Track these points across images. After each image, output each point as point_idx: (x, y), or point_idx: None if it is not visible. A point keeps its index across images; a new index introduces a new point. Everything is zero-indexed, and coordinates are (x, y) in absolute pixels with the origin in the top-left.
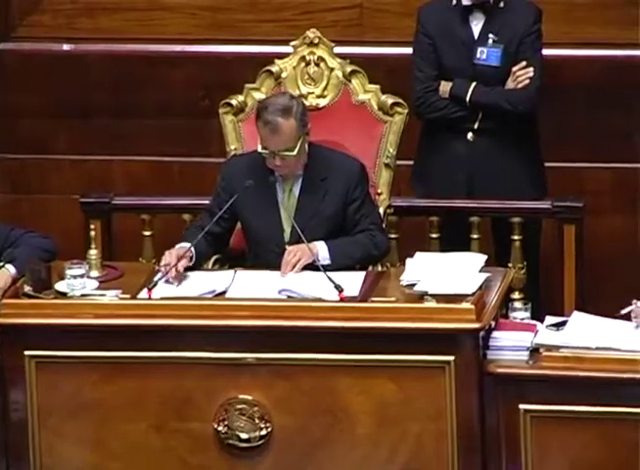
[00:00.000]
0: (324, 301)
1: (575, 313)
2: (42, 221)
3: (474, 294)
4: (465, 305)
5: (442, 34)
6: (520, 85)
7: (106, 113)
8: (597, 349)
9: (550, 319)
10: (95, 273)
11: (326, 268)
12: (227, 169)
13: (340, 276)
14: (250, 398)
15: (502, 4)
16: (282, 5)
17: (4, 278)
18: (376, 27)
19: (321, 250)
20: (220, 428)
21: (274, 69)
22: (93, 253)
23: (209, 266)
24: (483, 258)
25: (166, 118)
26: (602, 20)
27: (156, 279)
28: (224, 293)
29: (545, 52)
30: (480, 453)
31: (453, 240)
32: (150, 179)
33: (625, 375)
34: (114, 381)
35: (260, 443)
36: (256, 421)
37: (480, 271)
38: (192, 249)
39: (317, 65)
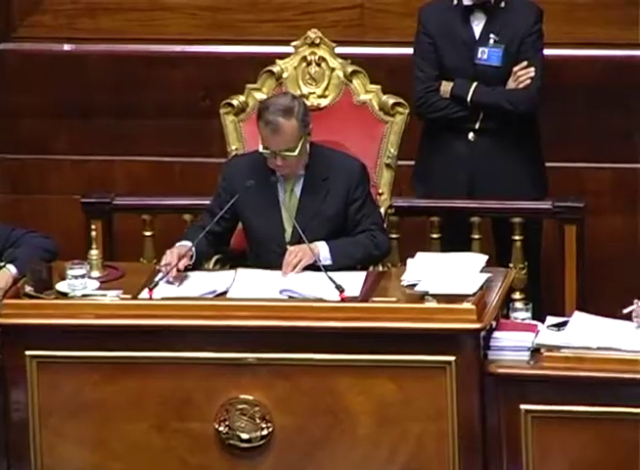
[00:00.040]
0: (325, 301)
1: (576, 313)
2: (43, 222)
3: (475, 294)
4: (466, 305)
5: (443, 34)
6: (521, 85)
7: (106, 113)
8: (598, 349)
9: (551, 319)
10: (96, 273)
11: (327, 269)
12: (228, 169)
13: (340, 276)
14: (250, 398)
15: (503, 4)
16: (282, 5)
17: (5, 278)
18: (377, 28)
19: (322, 250)
20: (221, 428)
21: (275, 69)
22: (94, 253)
23: (210, 267)
24: (484, 258)
25: (167, 119)
26: (602, 20)
27: (157, 279)
28: (225, 293)
29: (546, 52)
30: (480, 454)
31: (454, 240)
32: (150, 179)
33: (626, 375)
34: (114, 381)
35: (261, 443)
36: (257, 421)
37: (481, 271)
38: (192, 248)
39: (318, 65)
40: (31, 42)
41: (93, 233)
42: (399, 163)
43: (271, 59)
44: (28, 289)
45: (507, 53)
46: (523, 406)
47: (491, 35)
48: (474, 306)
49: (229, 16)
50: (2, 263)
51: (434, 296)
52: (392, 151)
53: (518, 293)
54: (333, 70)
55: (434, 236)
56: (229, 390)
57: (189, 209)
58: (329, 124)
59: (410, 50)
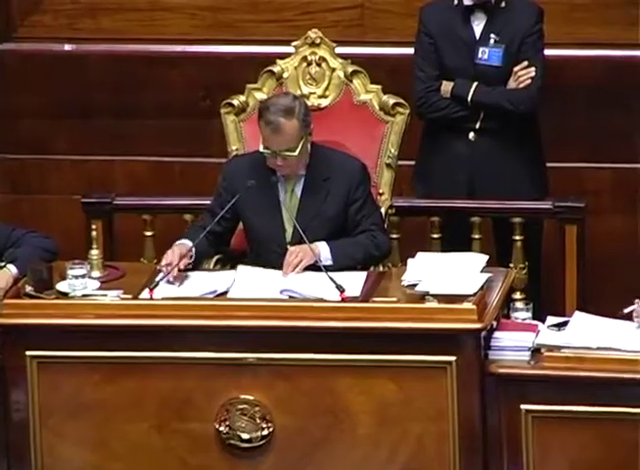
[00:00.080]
0: (325, 301)
1: (577, 313)
2: (43, 222)
3: (475, 294)
4: (466, 305)
5: (444, 34)
6: (521, 85)
7: (107, 113)
8: (598, 349)
9: (551, 319)
10: (96, 273)
11: (327, 269)
12: (229, 169)
13: (341, 276)
14: (251, 398)
15: (503, 4)
16: (283, 5)
17: (5, 278)
18: (377, 28)
19: (323, 250)
20: (221, 428)
21: (276, 69)
22: (94, 253)
23: (211, 267)
24: (485, 258)
25: (167, 119)
26: (602, 20)
27: (157, 279)
28: (225, 293)
29: (546, 52)
30: (481, 454)
31: (454, 240)
32: (150, 179)
33: (627, 375)
34: (115, 381)
35: (262, 443)
36: (258, 421)
37: (482, 271)
38: (193, 248)
39: (319, 65)
40: (31, 42)
41: (93, 233)
42: (400, 163)
43: (271, 59)
44: (29, 289)
45: (507, 53)
46: (523, 406)
47: (492, 35)
48: (474, 306)
49: (229, 16)
50: (2, 263)
51: (435, 296)
52: (393, 151)
53: (518, 293)
54: (333, 70)
55: (435, 236)
56: (229, 390)
57: (189, 209)
58: (329, 124)
59: (411, 50)
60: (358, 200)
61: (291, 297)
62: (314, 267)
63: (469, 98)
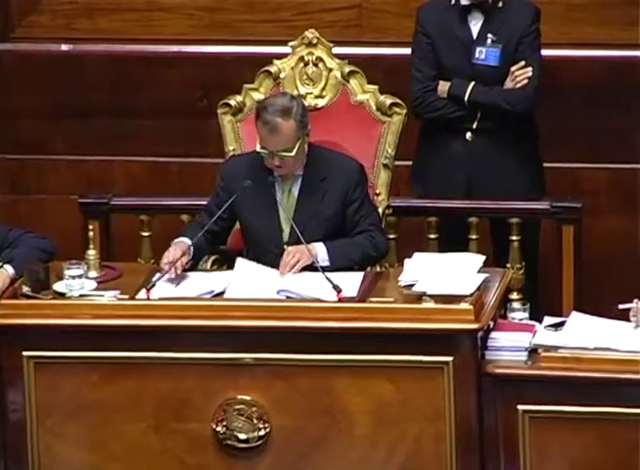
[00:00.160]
0: (322, 301)
1: (574, 314)
2: (40, 222)
3: (472, 294)
4: (463, 305)
5: (441, 34)
6: (518, 85)
7: (104, 113)
8: (595, 349)
9: (548, 320)
10: (93, 274)
11: (325, 270)
12: (226, 169)
13: (338, 277)
14: (248, 398)
15: (501, 4)
16: (280, 5)
17: (2, 278)
18: (374, 28)
19: (320, 251)
20: (219, 428)
21: (273, 69)
22: (91, 253)
23: (208, 267)
24: (482, 258)
25: (164, 119)
26: (600, 20)
27: (154, 279)
28: (222, 293)
29: (543, 52)
30: (478, 454)
31: (451, 240)
32: (148, 180)
33: (624, 376)
34: (112, 381)
35: (259, 443)
36: (255, 421)
37: (479, 272)
38: (191, 245)
39: (316, 65)
40: (29, 42)
41: (90, 233)
42: (397, 163)
43: (269, 59)
44: (26, 289)
45: (504, 53)
46: (520, 407)
47: (489, 35)
48: (471, 307)
49: (226, 16)
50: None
51: (432, 296)
52: (390, 151)
53: (515, 293)
54: (330, 70)
55: (432, 236)
56: (227, 390)
57: (186, 209)
58: (326, 125)
59: (408, 50)
60: (356, 200)
61: (288, 297)
62: (311, 268)
63: (466, 98)
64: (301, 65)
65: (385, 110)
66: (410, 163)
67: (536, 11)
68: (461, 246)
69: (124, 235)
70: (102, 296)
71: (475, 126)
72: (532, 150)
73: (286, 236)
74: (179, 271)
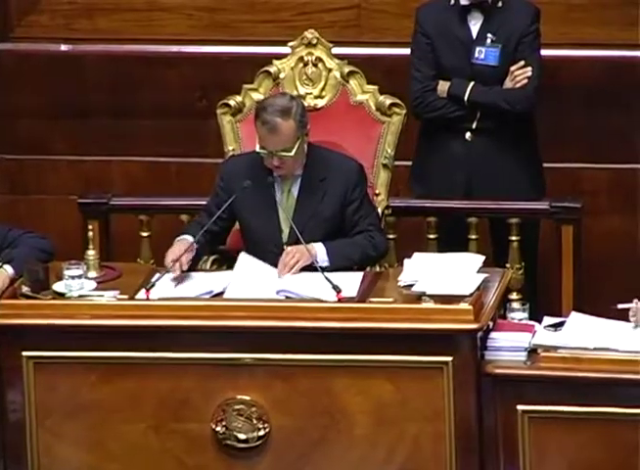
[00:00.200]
0: (322, 301)
1: (573, 314)
2: (40, 222)
3: (472, 294)
4: (463, 305)
5: (440, 34)
6: (518, 85)
7: (103, 113)
8: (595, 349)
9: (548, 320)
10: (93, 274)
11: (324, 270)
12: (226, 169)
13: (337, 277)
14: (247, 398)
15: (500, 4)
16: (279, 6)
17: (2, 278)
18: (374, 28)
19: (319, 252)
20: (218, 428)
21: (272, 69)
22: (91, 253)
23: (207, 267)
24: (481, 258)
25: (164, 119)
26: (600, 20)
27: (154, 280)
28: (222, 293)
29: (543, 53)
30: (477, 454)
31: (451, 241)
32: (147, 180)
33: (623, 376)
34: (111, 382)
35: (258, 443)
36: (254, 422)
37: (478, 272)
38: (194, 242)
39: (315, 65)
40: (28, 42)
41: (90, 233)
42: (396, 163)
43: (268, 59)
44: (25, 289)
45: (504, 52)
46: (520, 407)
47: (489, 35)
48: (471, 307)
49: (226, 16)
50: None
51: (432, 296)
52: (389, 151)
53: (515, 293)
54: (330, 70)
55: (431, 236)
56: (226, 390)
57: (186, 209)
58: (326, 125)
59: (407, 51)
60: (355, 200)
61: (287, 297)
62: (311, 268)
63: (465, 98)
64: (301, 65)
65: (384, 110)
66: (410, 163)
67: (536, 11)
68: (460, 246)
69: (124, 235)
70: (101, 296)
71: (474, 126)
72: (532, 150)
73: (285, 236)
74: (185, 267)
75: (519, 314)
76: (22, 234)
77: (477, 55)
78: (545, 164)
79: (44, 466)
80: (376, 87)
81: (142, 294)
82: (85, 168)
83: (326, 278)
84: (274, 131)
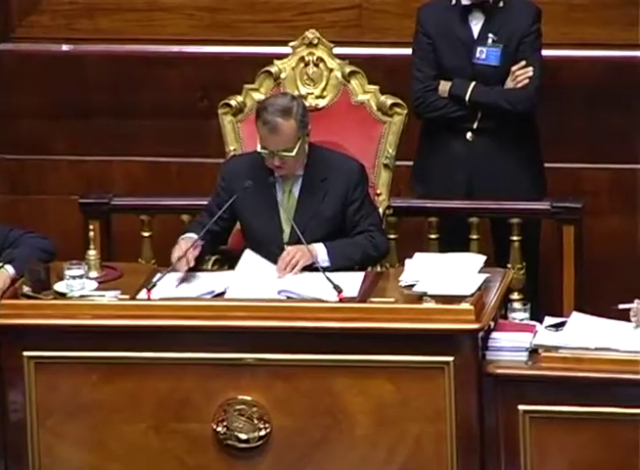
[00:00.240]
0: (323, 301)
1: (574, 314)
2: (41, 222)
3: (473, 294)
4: (464, 305)
5: (442, 34)
6: (519, 85)
7: (104, 113)
8: (596, 349)
9: (549, 320)
10: (94, 274)
11: (325, 270)
12: (227, 169)
13: (339, 277)
14: (249, 398)
15: (501, 4)
16: (280, 6)
17: (3, 278)
18: (375, 28)
19: (320, 252)
20: (219, 428)
21: (273, 69)
22: (92, 253)
23: (209, 267)
24: (482, 258)
25: (165, 119)
26: (601, 20)
27: (155, 280)
28: (223, 293)
29: (544, 53)
30: (478, 454)
31: (452, 241)
32: (148, 180)
33: (624, 376)
34: (113, 382)
35: (259, 443)
36: (255, 422)
37: (480, 272)
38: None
39: (316, 65)
40: (29, 42)
41: (91, 233)
42: (397, 163)
43: (269, 59)
44: (26, 289)
45: (505, 52)
46: (521, 407)
47: (490, 35)
48: (472, 307)
49: (227, 16)
50: (0, 264)
51: (433, 296)
52: (391, 151)
53: (516, 293)
54: (331, 70)
55: (433, 237)
56: (227, 390)
57: (187, 209)
58: (327, 125)
59: (408, 50)
60: (356, 200)
61: (288, 297)
62: (311, 268)
63: (467, 98)
64: (302, 65)
65: (385, 110)
66: (411, 163)
67: (537, 11)
68: (462, 246)
69: (125, 235)
70: (102, 296)
71: (475, 126)
72: (533, 150)
73: (286, 236)
74: (192, 264)
75: (520, 314)
76: (23, 234)
77: (478, 55)
78: (546, 165)
79: (45, 466)
80: (377, 87)
81: (143, 294)
82: (86, 168)
83: (327, 278)
84: (275, 131)
